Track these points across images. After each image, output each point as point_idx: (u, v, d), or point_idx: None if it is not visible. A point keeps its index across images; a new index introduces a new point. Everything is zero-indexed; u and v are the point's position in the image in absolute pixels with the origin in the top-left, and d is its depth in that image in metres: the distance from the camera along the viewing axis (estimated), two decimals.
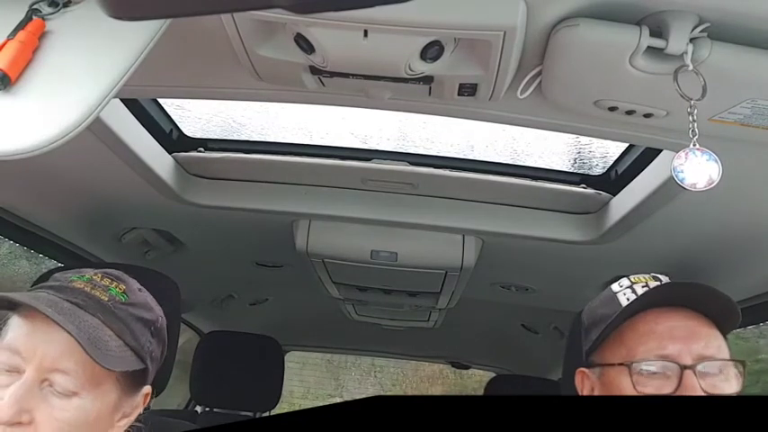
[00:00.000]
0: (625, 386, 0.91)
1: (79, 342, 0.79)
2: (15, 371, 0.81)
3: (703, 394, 0.87)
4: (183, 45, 0.90)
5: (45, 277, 1.00)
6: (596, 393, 0.98)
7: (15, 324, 0.84)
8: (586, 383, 1.00)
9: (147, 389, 0.93)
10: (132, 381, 0.89)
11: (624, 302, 0.97)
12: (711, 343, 0.91)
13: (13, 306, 0.85)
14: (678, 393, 0.87)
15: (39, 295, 0.85)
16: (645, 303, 0.95)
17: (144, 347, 0.89)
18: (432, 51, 0.81)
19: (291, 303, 2.59)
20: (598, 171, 1.44)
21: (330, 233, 1.63)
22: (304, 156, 1.43)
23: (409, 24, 0.76)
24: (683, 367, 0.89)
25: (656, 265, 1.47)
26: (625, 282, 1.02)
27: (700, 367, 0.89)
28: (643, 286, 0.98)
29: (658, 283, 0.99)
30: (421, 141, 1.45)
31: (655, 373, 0.90)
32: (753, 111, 0.86)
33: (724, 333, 0.95)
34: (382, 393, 2.69)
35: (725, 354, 0.92)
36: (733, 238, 1.32)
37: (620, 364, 0.93)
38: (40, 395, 0.80)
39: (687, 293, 0.96)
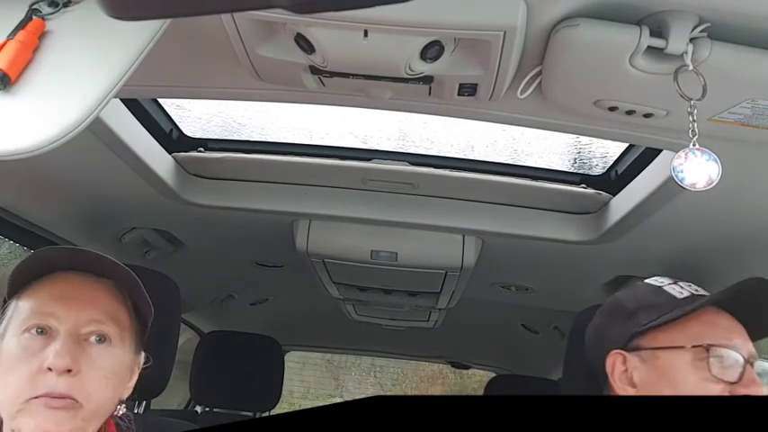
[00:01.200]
0: (684, 369, 0.94)
1: (127, 293, 0.93)
2: (53, 328, 0.87)
3: (761, 388, 0.92)
4: (183, 45, 0.90)
5: None
6: (637, 376, 0.98)
7: (42, 287, 0.91)
8: (626, 366, 1.00)
9: (143, 356, 0.99)
10: (140, 340, 0.97)
11: (677, 295, 1.00)
12: (749, 342, 0.97)
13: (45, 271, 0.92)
14: (741, 383, 0.91)
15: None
16: (712, 301, 0.98)
17: (149, 310, 0.98)
18: (432, 51, 0.81)
19: (291, 303, 2.59)
20: (598, 171, 1.44)
21: (330, 233, 1.63)
22: (304, 156, 1.43)
23: (409, 24, 0.76)
24: (746, 360, 0.93)
25: (657, 264, 1.47)
26: (661, 279, 1.06)
27: (756, 364, 0.94)
28: (685, 286, 1.03)
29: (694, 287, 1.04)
30: (421, 141, 1.45)
31: (724, 359, 0.93)
32: (753, 111, 0.86)
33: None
34: (382, 393, 2.69)
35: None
36: (733, 237, 1.32)
37: (687, 347, 0.95)
38: (81, 345, 0.88)
39: (747, 301, 0.98)
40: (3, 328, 0.90)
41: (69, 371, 0.84)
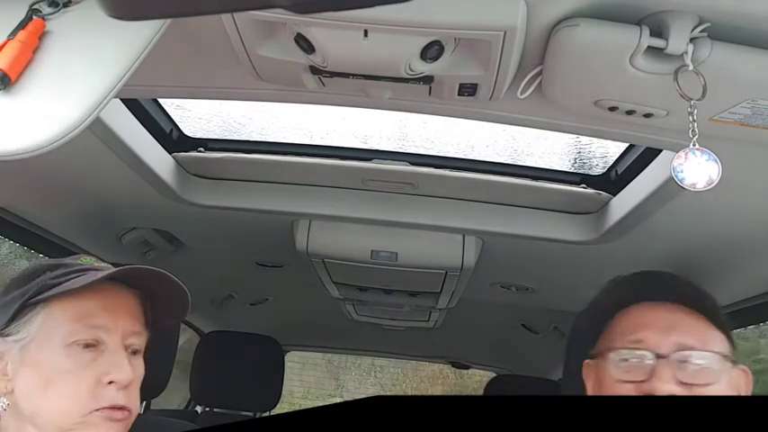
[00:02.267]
0: (607, 376, 0.94)
1: (148, 303, 0.96)
2: (101, 341, 0.88)
3: (676, 385, 0.87)
4: (183, 45, 0.90)
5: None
6: (594, 385, 0.99)
7: (80, 297, 0.89)
8: (590, 375, 1.01)
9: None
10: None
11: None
12: (694, 335, 0.91)
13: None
14: (650, 383, 0.88)
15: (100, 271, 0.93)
16: (623, 296, 0.98)
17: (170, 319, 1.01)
18: (432, 51, 0.81)
19: (291, 303, 2.59)
20: (598, 171, 1.44)
21: (330, 233, 1.63)
22: (304, 156, 1.43)
23: (409, 24, 0.76)
24: (658, 356, 0.89)
25: (656, 265, 1.46)
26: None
27: (677, 356, 0.89)
28: None
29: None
30: (421, 141, 1.45)
31: (630, 361, 0.91)
32: (753, 111, 0.86)
33: (721, 328, 0.95)
34: (382, 393, 2.69)
35: (714, 346, 0.91)
36: (733, 237, 1.32)
37: (603, 355, 0.95)
38: (129, 358, 0.90)
39: (665, 285, 0.98)
40: (30, 336, 0.87)
41: (127, 385, 0.87)
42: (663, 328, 0.92)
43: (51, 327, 0.87)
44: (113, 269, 0.92)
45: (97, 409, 0.84)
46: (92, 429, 0.84)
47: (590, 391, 1.00)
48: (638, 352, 0.91)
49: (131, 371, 0.88)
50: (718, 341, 0.93)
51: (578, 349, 1.06)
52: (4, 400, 0.87)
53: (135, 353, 0.92)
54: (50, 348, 0.86)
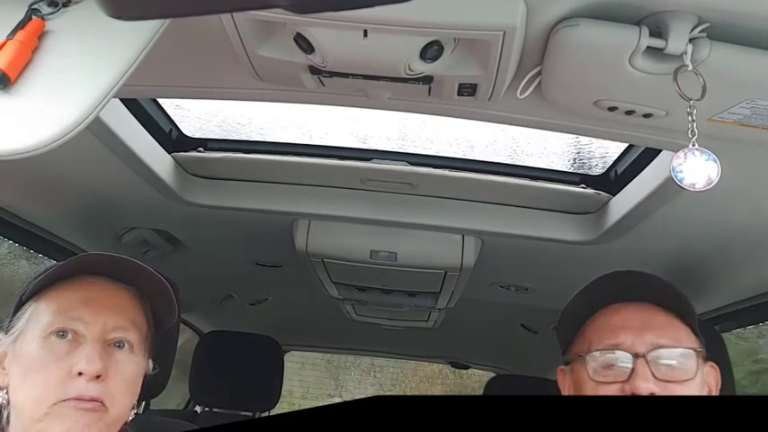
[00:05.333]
0: (584, 379, 0.95)
1: (149, 301, 0.95)
2: (79, 333, 0.88)
3: (654, 384, 0.89)
4: (183, 45, 0.90)
5: None
6: (570, 390, 1.00)
7: (66, 291, 0.91)
8: (565, 381, 1.03)
9: (150, 362, 0.99)
10: (152, 347, 0.98)
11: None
12: (667, 333, 0.93)
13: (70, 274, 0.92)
14: (630, 382, 0.90)
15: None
16: (594, 299, 0.99)
17: (170, 319, 1.00)
18: (431, 51, 0.81)
19: (291, 303, 2.59)
20: (598, 171, 1.44)
21: (330, 233, 1.63)
22: (304, 156, 1.43)
23: (409, 24, 0.76)
24: (636, 356, 0.91)
25: (656, 265, 1.47)
26: None
27: (653, 355, 0.91)
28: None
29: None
30: (421, 141, 1.45)
31: (608, 362, 0.93)
32: (752, 111, 0.86)
33: (690, 325, 0.97)
34: (382, 393, 2.69)
35: (686, 343, 0.93)
36: (732, 238, 1.32)
37: (579, 357, 0.96)
38: (108, 351, 0.89)
39: (635, 285, 0.98)
40: (19, 329, 0.89)
41: (99, 376, 0.86)
42: (637, 328, 0.94)
43: (35, 319, 0.89)
44: (82, 255, 0.93)
45: (64, 400, 0.84)
46: (58, 420, 0.83)
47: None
48: (616, 353, 0.92)
49: (101, 363, 0.86)
50: (690, 338, 0.95)
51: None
52: (3, 393, 0.89)
53: (123, 347, 0.90)
54: (32, 340, 0.88)
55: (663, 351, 0.91)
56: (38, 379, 0.85)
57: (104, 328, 0.89)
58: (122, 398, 0.89)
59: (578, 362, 0.97)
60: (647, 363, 0.90)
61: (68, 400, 0.84)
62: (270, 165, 1.45)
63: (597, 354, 0.93)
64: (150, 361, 0.98)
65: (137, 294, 0.95)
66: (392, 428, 0.28)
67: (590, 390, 0.93)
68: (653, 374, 0.90)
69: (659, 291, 0.97)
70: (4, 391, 0.89)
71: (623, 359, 0.92)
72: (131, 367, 0.91)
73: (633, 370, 0.90)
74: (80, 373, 0.85)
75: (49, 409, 0.83)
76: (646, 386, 0.88)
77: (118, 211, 1.56)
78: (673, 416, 0.29)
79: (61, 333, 0.87)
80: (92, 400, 0.85)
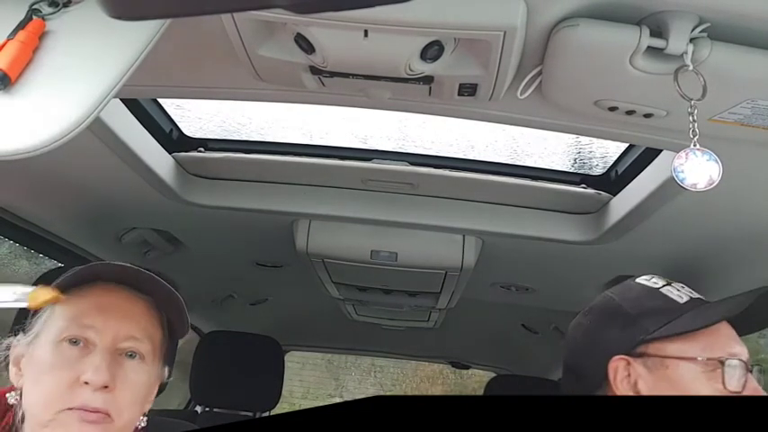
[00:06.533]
0: (696, 380, 0.94)
1: (164, 312, 0.94)
2: (90, 341, 0.87)
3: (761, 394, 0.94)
4: (184, 45, 0.90)
5: (46, 278, 1.02)
6: (643, 384, 0.97)
7: (82, 297, 0.90)
8: (629, 372, 0.98)
9: (167, 370, 0.99)
10: (168, 357, 0.98)
11: (677, 299, 0.99)
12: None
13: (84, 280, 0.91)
14: (745, 391, 0.92)
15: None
16: (725, 312, 0.98)
17: (184, 330, 0.99)
18: (432, 51, 0.82)
19: (291, 303, 2.59)
20: (598, 171, 1.44)
21: (330, 233, 1.63)
22: (304, 156, 1.43)
23: (409, 24, 0.76)
24: (747, 368, 0.94)
25: (657, 265, 1.47)
26: (655, 279, 1.03)
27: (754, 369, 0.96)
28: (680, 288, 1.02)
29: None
30: (421, 141, 1.45)
31: (736, 371, 0.94)
32: (753, 111, 0.86)
33: None
34: (382, 393, 2.69)
35: None
36: (733, 238, 1.32)
37: (700, 359, 0.95)
38: (117, 361, 0.88)
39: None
40: (35, 333, 0.89)
41: (106, 387, 0.85)
42: (738, 339, 0.98)
43: (50, 324, 0.89)
44: (96, 264, 0.93)
45: (69, 408, 0.83)
46: (62, 428, 0.83)
47: (640, 391, 0.97)
48: (741, 363, 0.94)
49: (108, 374, 0.85)
50: None
51: (575, 348, 1.05)
52: (14, 393, 0.89)
53: (134, 357, 0.90)
54: (45, 344, 0.87)
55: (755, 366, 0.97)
56: (47, 384, 0.85)
57: (116, 336, 0.88)
58: (130, 408, 0.88)
59: (684, 363, 0.95)
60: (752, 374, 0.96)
61: (73, 408, 0.83)
62: (270, 165, 1.45)
63: (732, 359, 0.94)
64: (166, 369, 0.97)
65: (152, 304, 0.94)
66: (392, 428, 0.28)
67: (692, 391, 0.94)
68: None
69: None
70: (18, 391, 0.88)
71: (743, 370, 0.94)
72: (142, 377, 0.90)
73: (745, 382, 0.94)
74: (86, 383, 0.84)
75: (55, 416, 0.83)
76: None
77: (118, 211, 1.56)
78: (673, 416, 0.29)
79: (73, 340, 0.87)
80: (96, 410, 0.84)
